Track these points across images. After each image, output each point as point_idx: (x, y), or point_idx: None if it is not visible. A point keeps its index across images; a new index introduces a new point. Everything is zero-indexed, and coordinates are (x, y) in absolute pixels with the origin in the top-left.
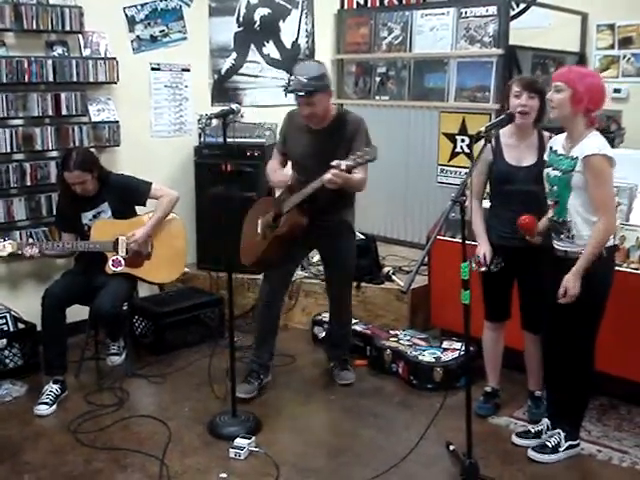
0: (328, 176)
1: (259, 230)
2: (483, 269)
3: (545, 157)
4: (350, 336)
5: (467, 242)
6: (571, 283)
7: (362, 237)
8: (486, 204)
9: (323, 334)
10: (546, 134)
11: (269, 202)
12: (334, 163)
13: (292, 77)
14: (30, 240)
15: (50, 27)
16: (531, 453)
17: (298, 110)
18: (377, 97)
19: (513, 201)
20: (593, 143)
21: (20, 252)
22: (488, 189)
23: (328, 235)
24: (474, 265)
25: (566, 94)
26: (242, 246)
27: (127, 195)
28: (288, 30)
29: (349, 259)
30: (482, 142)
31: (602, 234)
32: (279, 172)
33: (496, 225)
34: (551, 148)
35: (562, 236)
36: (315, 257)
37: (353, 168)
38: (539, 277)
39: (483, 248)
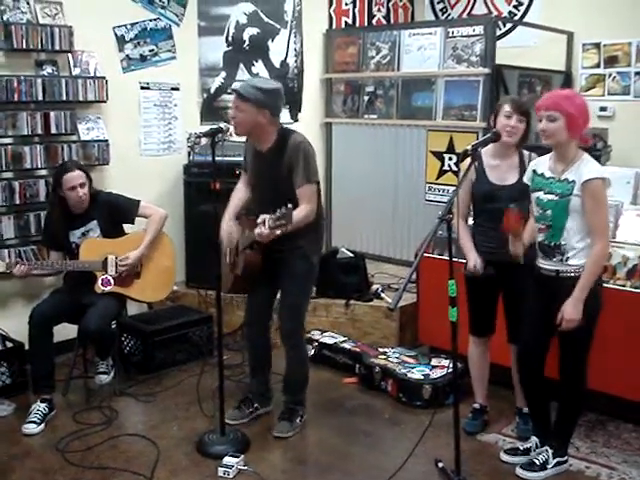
0: (257, 233)
1: (227, 261)
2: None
3: (526, 180)
4: (302, 384)
5: (455, 260)
6: (573, 310)
7: (351, 255)
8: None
9: (312, 352)
10: (525, 153)
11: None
12: (259, 220)
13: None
14: (19, 259)
15: (40, 46)
16: (519, 471)
17: None
18: (365, 116)
19: (496, 219)
20: (592, 167)
21: (9, 271)
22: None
23: (281, 264)
24: (470, 273)
25: (561, 122)
26: (223, 273)
27: (116, 213)
28: (277, 49)
29: (297, 290)
30: (468, 160)
31: (600, 258)
32: (236, 196)
33: (481, 241)
34: (535, 171)
35: (554, 259)
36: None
37: (274, 230)
38: (524, 291)
39: (472, 260)
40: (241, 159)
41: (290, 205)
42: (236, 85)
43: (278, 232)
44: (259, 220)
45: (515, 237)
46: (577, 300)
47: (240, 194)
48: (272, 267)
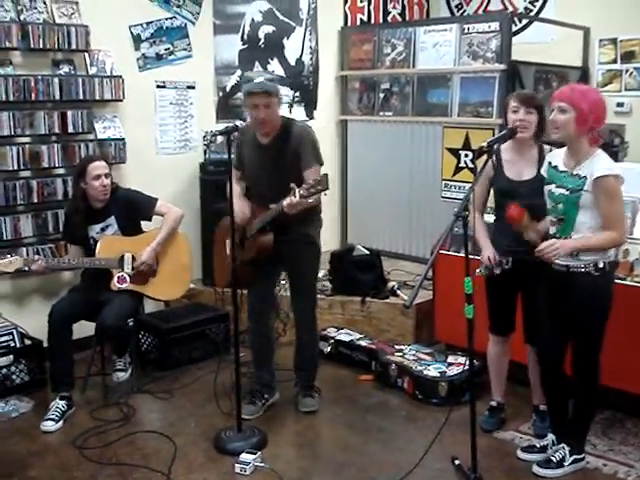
0: (287, 202)
1: (228, 252)
2: (497, 271)
3: (543, 172)
4: (316, 360)
5: (471, 257)
6: (560, 246)
7: (366, 252)
8: (490, 218)
9: (328, 349)
10: (546, 147)
11: None
12: (292, 192)
13: (248, 81)
14: (36, 256)
15: (56, 46)
16: (536, 468)
17: (247, 123)
18: (381, 113)
19: None
20: (603, 164)
21: (27, 268)
22: (492, 203)
23: (290, 250)
24: (484, 271)
25: (571, 115)
26: (215, 267)
27: (133, 209)
28: (292, 47)
29: (309, 273)
30: (485, 157)
31: (612, 239)
32: (242, 203)
33: (500, 239)
34: (550, 163)
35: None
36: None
37: (307, 198)
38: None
39: (487, 252)
40: None
41: (326, 173)
42: (255, 86)
43: (310, 200)
44: (292, 192)
45: (524, 229)
46: (571, 243)
47: (237, 186)
48: (278, 255)
